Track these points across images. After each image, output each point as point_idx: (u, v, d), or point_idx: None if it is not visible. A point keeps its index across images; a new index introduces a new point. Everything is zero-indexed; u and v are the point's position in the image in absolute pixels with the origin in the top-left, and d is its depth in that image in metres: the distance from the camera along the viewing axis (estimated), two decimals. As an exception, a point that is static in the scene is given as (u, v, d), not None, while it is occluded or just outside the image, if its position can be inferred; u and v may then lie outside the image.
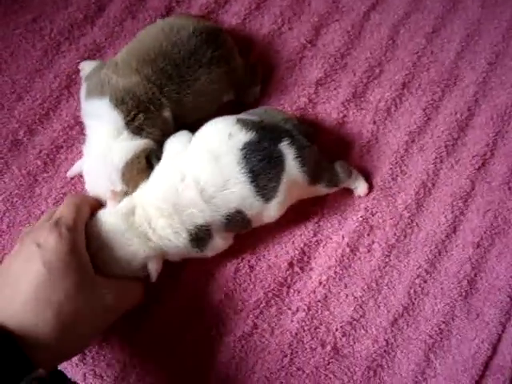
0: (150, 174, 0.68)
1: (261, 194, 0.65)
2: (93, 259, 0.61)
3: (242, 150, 0.64)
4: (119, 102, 0.67)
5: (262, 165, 0.64)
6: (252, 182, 0.64)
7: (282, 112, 0.74)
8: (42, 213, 0.75)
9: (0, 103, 0.79)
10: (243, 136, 0.65)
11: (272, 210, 0.67)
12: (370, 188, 0.78)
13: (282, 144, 0.66)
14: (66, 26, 0.84)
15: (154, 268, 0.64)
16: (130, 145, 0.68)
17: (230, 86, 0.75)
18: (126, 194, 0.68)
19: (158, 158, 0.69)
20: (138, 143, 0.68)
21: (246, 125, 0.65)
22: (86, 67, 0.79)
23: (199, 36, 0.71)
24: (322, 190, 0.71)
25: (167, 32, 0.71)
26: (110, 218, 0.64)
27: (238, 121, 0.66)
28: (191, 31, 0.71)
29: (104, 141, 0.68)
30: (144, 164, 0.68)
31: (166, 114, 0.70)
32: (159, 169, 0.68)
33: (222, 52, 0.73)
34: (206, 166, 0.64)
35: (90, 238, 0.62)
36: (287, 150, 0.66)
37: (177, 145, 0.69)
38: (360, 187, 0.77)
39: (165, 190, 0.65)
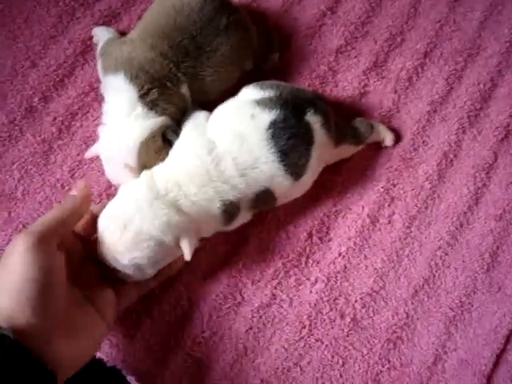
0: (168, 151, 0.67)
1: (290, 173, 0.64)
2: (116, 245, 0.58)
3: (268, 129, 0.63)
4: (133, 77, 0.67)
5: (291, 143, 0.63)
6: (281, 161, 0.63)
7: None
8: (57, 180, 0.74)
9: (14, 70, 0.79)
10: (267, 115, 0.64)
11: (301, 186, 0.67)
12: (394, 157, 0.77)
13: (307, 115, 0.65)
14: (81, -9, 0.82)
15: (187, 242, 0.60)
16: (144, 124, 0.66)
17: (249, 52, 0.74)
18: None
19: (176, 135, 0.68)
20: (153, 121, 0.67)
21: (267, 104, 0.65)
22: (99, 33, 0.78)
23: (211, 3, 0.70)
24: (348, 149, 0.72)
25: (178, 7, 0.69)
26: (132, 190, 0.61)
27: (259, 102, 0.65)
28: (202, 1, 0.70)
29: (119, 120, 0.67)
30: (160, 142, 0.67)
31: (183, 90, 0.69)
32: (181, 144, 0.66)
33: (237, 16, 0.72)
34: (233, 144, 0.63)
35: (112, 219, 0.60)
36: (314, 120, 0.65)
37: (198, 122, 0.68)
38: (387, 138, 0.77)
39: (194, 161, 0.63)
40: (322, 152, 0.67)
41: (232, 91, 0.72)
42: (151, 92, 0.67)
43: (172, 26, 0.69)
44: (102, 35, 0.77)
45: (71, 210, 0.60)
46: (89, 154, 0.70)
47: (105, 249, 0.59)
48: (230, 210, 0.64)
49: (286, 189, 0.66)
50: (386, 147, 0.78)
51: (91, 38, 0.80)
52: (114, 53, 0.70)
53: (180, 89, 0.69)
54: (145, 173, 0.64)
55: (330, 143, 0.68)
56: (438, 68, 0.83)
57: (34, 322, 0.51)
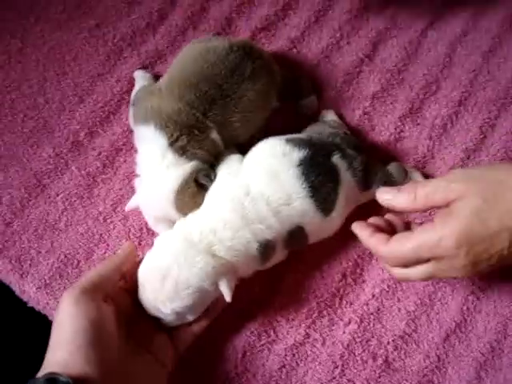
0: (203, 195, 0.70)
1: (321, 208, 0.67)
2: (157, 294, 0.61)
3: (298, 166, 0.66)
4: (163, 126, 0.69)
5: (320, 179, 0.66)
6: (312, 196, 0.66)
7: (329, 125, 0.76)
8: (100, 213, 0.77)
9: (62, 105, 0.82)
10: (297, 154, 0.67)
11: (331, 223, 0.69)
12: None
13: (333, 158, 0.69)
14: (128, 32, 0.87)
15: (226, 285, 0.62)
16: (175, 171, 0.68)
17: (274, 93, 0.77)
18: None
19: (209, 177, 0.70)
20: (184, 168, 0.68)
21: (297, 143, 0.68)
22: (137, 78, 0.82)
23: (236, 51, 0.73)
24: None
25: (204, 54, 0.73)
26: (168, 241, 0.64)
27: (288, 141, 0.69)
28: (227, 48, 0.73)
29: (152, 170, 0.70)
30: (194, 187, 0.69)
31: (213, 135, 0.71)
32: (215, 190, 0.69)
33: (261, 62, 0.75)
34: (266, 183, 0.66)
35: (151, 271, 0.63)
36: (340, 163, 0.68)
37: (231, 165, 0.71)
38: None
39: (229, 205, 0.65)
40: (349, 193, 0.70)
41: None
42: (180, 138, 0.69)
43: (198, 76, 0.71)
44: (138, 81, 0.81)
45: (113, 266, 0.65)
46: (129, 206, 0.73)
47: (146, 299, 0.63)
48: (267, 249, 0.66)
49: (317, 225, 0.68)
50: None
51: (138, 77, 0.84)
52: (143, 103, 0.73)
53: (210, 135, 0.71)
54: (179, 222, 0.66)
55: (356, 186, 0.71)
56: (472, 116, 0.85)
57: (88, 370, 0.54)
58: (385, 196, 0.65)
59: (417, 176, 0.78)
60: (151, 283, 0.62)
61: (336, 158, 0.69)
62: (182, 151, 0.69)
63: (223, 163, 0.72)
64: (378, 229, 0.66)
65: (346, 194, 0.69)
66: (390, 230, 0.67)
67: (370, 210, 0.76)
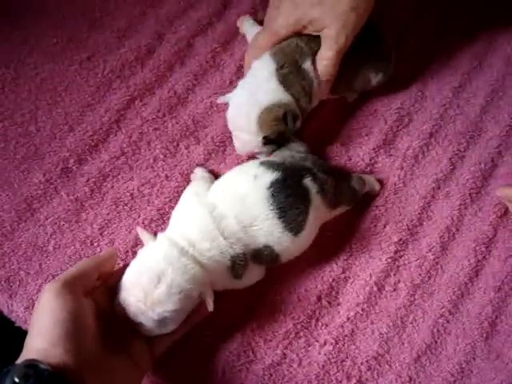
0: (282, 129, 0.78)
1: (289, 229, 0.71)
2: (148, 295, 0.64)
3: (268, 188, 0.71)
4: (273, 53, 0.81)
5: (289, 200, 0.71)
6: (280, 217, 0.71)
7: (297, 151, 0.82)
8: (87, 237, 0.82)
9: (53, 133, 0.88)
10: (269, 176, 0.72)
11: (301, 242, 0.74)
12: (400, 229, 0.85)
13: (305, 180, 0.74)
14: (117, 65, 0.93)
15: (210, 295, 0.66)
16: (276, 91, 0.79)
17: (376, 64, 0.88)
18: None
19: (293, 120, 0.79)
20: (285, 95, 0.79)
21: (270, 166, 0.73)
22: (246, 26, 0.95)
23: None
24: (344, 209, 0.81)
25: None
26: (158, 249, 0.68)
27: (262, 163, 0.74)
28: None
29: (257, 80, 0.80)
30: (281, 115, 0.77)
31: (306, 65, 0.81)
32: (183, 206, 0.75)
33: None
34: (232, 205, 0.71)
35: (145, 272, 0.66)
36: (311, 185, 0.74)
37: (199, 185, 0.78)
38: (375, 187, 0.87)
39: (200, 221, 0.70)
40: (319, 212, 0.75)
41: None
42: (284, 67, 0.80)
43: None
44: (250, 29, 0.93)
45: (93, 264, 0.69)
46: (222, 99, 0.83)
47: (131, 303, 0.65)
48: (238, 263, 0.71)
49: (287, 245, 0.72)
50: (395, 221, 0.85)
51: (126, 107, 0.90)
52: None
53: (304, 63, 0.81)
54: (162, 235, 0.70)
55: (326, 207, 0.76)
56: (442, 148, 0.92)
57: (66, 359, 0.57)
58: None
59: (372, 180, 0.86)
60: (142, 285, 0.63)
61: (307, 181, 0.74)
62: (283, 79, 0.79)
63: (190, 186, 0.79)
64: None
65: (316, 214, 0.74)
66: None
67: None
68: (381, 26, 0.89)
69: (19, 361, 0.57)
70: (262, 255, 0.72)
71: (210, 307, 0.67)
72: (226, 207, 0.71)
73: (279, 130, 0.78)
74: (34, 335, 0.60)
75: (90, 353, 0.61)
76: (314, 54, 0.81)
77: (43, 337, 0.59)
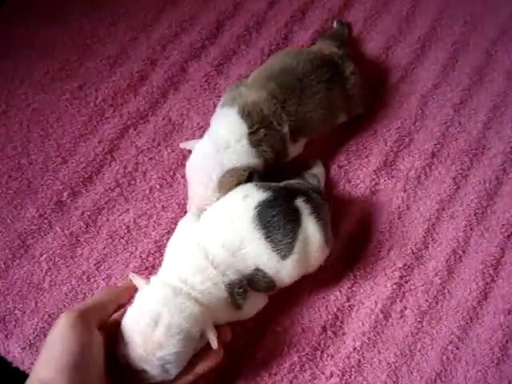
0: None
1: (276, 251, 0.70)
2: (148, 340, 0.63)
3: (256, 208, 0.70)
4: (246, 114, 0.78)
5: (275, 220, 0.70)
6: (267, 237, 0.69)
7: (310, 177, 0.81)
8: (83, 272, 0.81)
9: (45, 165, 0.87)
10: (258, 196, 0.71)
11: (289, 268, 0.71)
12: (404, 254, 0.84)
13: (297, 201, 0.72)
14: (110, 93, 0.92)
15: (212, 332, 0.64)
16: (246, 155, 0.77)
17: (344, 106, 0.86)
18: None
19: (259, 179, 0.77)
20: (252, 158, 0.77)
21: (261, 186, 0.73)
22: None
23: (320, 59, 0.84)
24: None
25: (292, 54, 0.85)
26: (152, 291, 0.66)
27: (256, 184, 0.74)
28: (313, 55, 0.85)
29: (226, 137, 0.77)
30: (244, 179, 0.76)
31: (285, 130, 0.80)
32: (172, 244, 0.74)
33: (342, 73, 0.86)
34: (220, 231, 0.70)
35: (140, 317, 0.64)
36: (303, 207, 0.72)
37: (189, 220, 0.76)
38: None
39: (192, 251, 0.69)
40: (308, 240, 0.72)
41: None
42: (259, 131, 0.78)
43: (283, 68, 0.82)
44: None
45: (111, 297, 0.68)
46: (185, 144, 0.84)
47: (132, 351, 0.64)
48: (237, 291, 0.69)
49: (275, 268, 0.71)
50: (399, 245, 0.84)
51: (119, 137, 0.89)
52: (232, 91, 0.83)
53: (283, 129, 0.79)
54: (154, 278, 0.68)
55: (319, 235, 0.73)
56: (445, 168, 0.91)
57: None
58: None
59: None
60: (140, 330, 0.62)
61: (299, 202, 0.73)
62: (256, 143, 0.77)
63: (183, 219, 0.78)
64: None
65: (306, 241, 0.72)
66: None
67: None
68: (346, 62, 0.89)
69: None
70: (256, 280, 0.71)
71: (214, 344, 0.65)
72: (214, 234, 0.70)
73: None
74: (42, 362, 0.60)
75: None
76: (290, 120, 0.80)
77: (50, 366, 0.58)
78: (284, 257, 0.70)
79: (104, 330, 0.65)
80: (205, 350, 0.66)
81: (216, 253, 0.68)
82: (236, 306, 0.70)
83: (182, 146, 0.84)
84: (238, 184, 0.76)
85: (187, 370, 0.66)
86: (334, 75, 0.84)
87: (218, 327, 0.67)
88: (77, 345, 0.59)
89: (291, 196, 0.72)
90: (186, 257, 0.69)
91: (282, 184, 0.76)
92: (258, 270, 0.70)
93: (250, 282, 0.70)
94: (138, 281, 0.68)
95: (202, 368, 0.68)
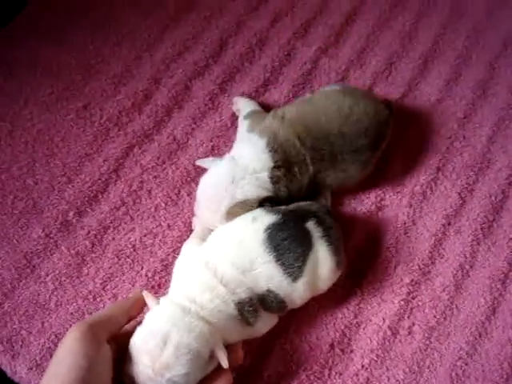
0: None
1: (287, 273, 0.70)
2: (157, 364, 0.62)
3: (265, 230, 0.70)
4: (274, 149, 0.77)
5: (286, 243, 0.70)
6: (277, 260, 0.69)
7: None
8: (90, 292, 0.81)
9: (51, 185, 0.87)
10: (268, 219, 0.71)
11: (300, 291, 0.72)
12: (411, 269, 0.84)
13: (308, 223, 0.72)
14: (114, 112, 0.93)
15: (222, 351, 0.63)
16: (261, 188, 0.76)
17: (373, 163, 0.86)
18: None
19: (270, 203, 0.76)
20: (266, 192, 0.76)
21: (271, 210, 0.73)
22: (242, 103, 0.90)
23: (362, 122, 0.81)
24: None
25: (342, 115, 0.81)
26: (161, 312, 0.66)
27: (264, 207, 0.74)
28: (363, 113, 0.81)
29: (248, 164, 0.77)
30: (255, 207, 0.75)
31: (305, 180, 0.79)
32: (179, 264, 0.74)
33: (378, 140, 0.84)
34: (228, 250, 0.70)
35: (149, 337, 0.63)
36: (314, 229, 0.72)
37: (193, 243, 0.77)
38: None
39: (200, 269, 0.69)
40: (319, 262, 0.73)
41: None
42: (280, 169, 0.77)
43: (321, 126, 0.80)
44: (245, 105, 0.89)
45: (123, 309, 0.68)
46: (201, 162, 0.84)
47: (141, 371, 0.63)
48: (247, 309, 0.69)
49: (286, 290, 0.71)
50: (405, 261, 0.84)
51: (124, 156, 0.89)
52: (265, 120, 0.82)
53: (303, 178, 0.79)
54: (163, 299, 0.68)
55: (331, 258, 0.73)
56: (450, 182, 0.91)
57: None
58: None
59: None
60: (149, 351, 0.61)
61: (310, 224, 0.73)
62: (274, 180, 0.77)
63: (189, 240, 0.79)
64: None
65: (317, 263, 0.72)
66: None
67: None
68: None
69: None
70: (268, 301, 0.71)
71: (224, 363, 0.64)
72: (222, 254, 0.70)
73: None
74: (50, 377, 0.60)
75: None
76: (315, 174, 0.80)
77: (57, 380, 0.58)
78: (295, 279, 0.70)
79: (115, 342, 0.65)
80: (215, 372, 0.66)
81: (225, 271, 0.68)
82: (247, 323, 0.69)
83: (198, 163, 0.84)
84: (248, 211, 0.75)
85: None
86: (372, 140, 0.83)
87: (228, 348, 0.66)
88: (85, 360, 0.59)
89: (301, 218, 0.72)
90: (193, 276, 0.69)
91: (291, 207, 0.76)
92: (269, 291, 0.70)
93: (262, 303, 0.70)
94: (149, 300, 0.67)
95: None
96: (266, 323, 0.73)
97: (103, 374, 0.61)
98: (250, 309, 0.69)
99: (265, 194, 0.76)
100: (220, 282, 0.67)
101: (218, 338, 0.65)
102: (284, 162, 0.78)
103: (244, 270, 0.68)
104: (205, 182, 0.79)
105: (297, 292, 0.71)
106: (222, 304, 0.67)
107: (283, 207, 0.75)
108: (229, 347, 0.66)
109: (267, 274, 0.69)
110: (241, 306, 0.68)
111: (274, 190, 0.77)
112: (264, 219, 0.71)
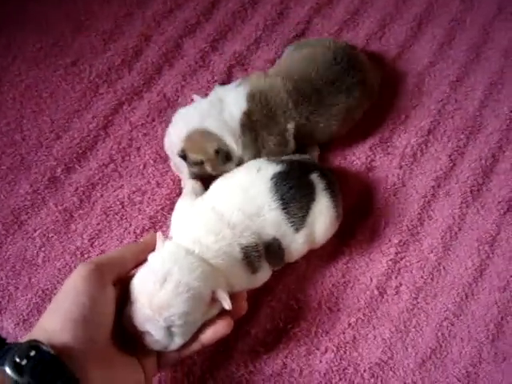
0: (208, 161, 0.75)
1: (291, 222, 0.69)
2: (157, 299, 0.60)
3: (271, 179, 0.70)
4: (251, 96, 0.77)
5: (292, 192, 0.69)
6: (283, 208, 0.69)
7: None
8: (77, 248, 0.80)
9: (39, 141, 0.85)
10: (272, 168, 0.71)
11: (299, 242, 0.71)
12: (400, 230, 0.83)
13: (312, 175, 0.72)
14: (104, 69, 0.91)
15: (224, 293, 0.62)
16: (224, 122, 0.76)
17: (363, 108, 0.85)
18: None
19: (223, 161, 0.76)
20: (230, 137, 0.75)
21: (274, 160, 0.72)
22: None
23: (340, 63, 0.81)
24: None
25: (310, 59, 0.81)
26: (164, 251, 0.64)
27: (267, 159, 0.73)
28: (332, 59, 0.81)
29: (226, 104, 0.77)
30: (211, 148, 0.74)
31: (290, 126, 0.78)
32: (182, 212, 0.72)
33: (362, 76, 0.83)
34: (234, 198, 0.69)
35: (151, 274, 0.62)
36: (317, 181, 0.72)
37: (186, 200, 0.75)
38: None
39: (206, 213, 0.68)
40: (321, 215, 0.72)
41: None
42: (252, 118, 0.77)
43: (303, 75, 0.79)
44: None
45: (133, 253, 0.67)
46: (195, 97, 0.85)
47: (138, 310, 0.61)
48: (253, 253, 0.68)
49: (289, 239, 0.71)
50: (394, 222, 0.83)
51: (113, 113, 0.87)
52: (252, 77, 0.81)
53: (287, 124, 0.77)
54: (167, 242, 0.66)
55: (332, 211, 0.73)
56: (441, 145, 0.89)
57: (72, 344, 0.55)
58: None
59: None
60: (150, 286, 0.60)
61: (314, 176, 0.72)
62: (253, 130, 0.76)
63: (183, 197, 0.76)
64: None
65: (318, 215, 0.72)
66: None
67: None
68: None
69: (25, 339, 0.54)
70: (272, 249, 0.70)
71: (228, 305, 0.61)
72: (229, 200, 0.69)
73: (203, 159, 0.76)
74: (51, 312, 0.58)
75: (99, 343, 0.58)
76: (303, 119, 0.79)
77: (57, 316, 0.57)
78: (297, 230, 0.70)
79: (120, 285, 0.64)
80: (214, 319, 0.65)
81: (232, 215, 0.67)
82: (252, 269, 0.68)
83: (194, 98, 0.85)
84: (204, 155, 0.75)
85: (193, 339, 0.64)
86: (354, 78, 0.82)
87: (232, 297, 0.64)
88: (88, 299, 0.58)
89: (305, 169, 0.72)
90: (199, 219, 0.68)
91: (294, 157, 0.75)
92: (275, 239, 0.69)
93: (267, 250, 0.69)
94: (159, 242, 0.66)
95: (209, 338, 0.65)
96: (265, 274, 0.72)
97: (105, 314, 0.60)
98: (256, 254, 0.68)
99: (228, 139, 0.76)
100: (227, 225, 0.66)
101: (220, 280, 0.64)
102: (267, 110, 0.77)
103: (251, 215, 0.68)
104: (185, 108, 0.79)
105: (296, 243, 0.71)
106: (227, 246, 0.66)
107: (287, 157, 0.75)
108: (232, 297, 0.64)
109: (274, 221, 0.69)
110: (247, 250, 0.67)
111: (239, 137, 0.76)
112: (268, 169, 0.71)
